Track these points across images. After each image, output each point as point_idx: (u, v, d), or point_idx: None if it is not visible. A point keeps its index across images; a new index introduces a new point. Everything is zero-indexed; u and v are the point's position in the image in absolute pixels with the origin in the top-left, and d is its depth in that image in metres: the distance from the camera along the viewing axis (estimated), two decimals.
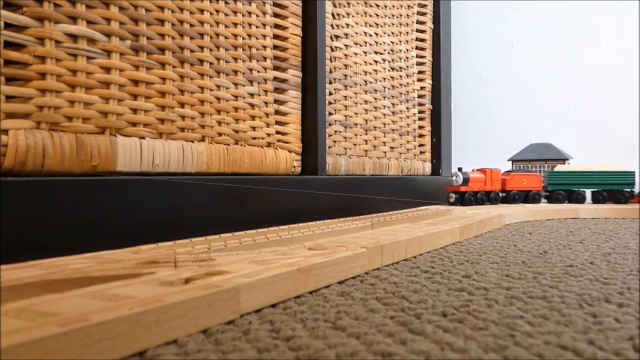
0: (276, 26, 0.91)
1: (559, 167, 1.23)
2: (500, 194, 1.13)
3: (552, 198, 1.25)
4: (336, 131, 1.08)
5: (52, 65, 0.55)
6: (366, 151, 1.18)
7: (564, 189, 1.22)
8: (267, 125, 0.88)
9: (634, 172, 1.27)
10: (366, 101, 1.18)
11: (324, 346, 0.28)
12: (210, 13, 0.76)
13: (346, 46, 1.11)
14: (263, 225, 0.73)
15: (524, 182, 1.13)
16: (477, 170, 1.06)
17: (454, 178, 1.06)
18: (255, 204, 0.79)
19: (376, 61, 1.23)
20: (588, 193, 1.33)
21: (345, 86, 1.11)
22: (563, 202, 1.26)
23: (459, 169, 1.03)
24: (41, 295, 0.30)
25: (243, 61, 0.83)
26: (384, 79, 1.26)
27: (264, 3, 0.87)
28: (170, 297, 0.30)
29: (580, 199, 1.27)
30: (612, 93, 1.64)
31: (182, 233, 0.61)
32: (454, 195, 1.06)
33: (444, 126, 1.49)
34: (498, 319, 0.33)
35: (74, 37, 0.58)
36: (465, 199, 1.05)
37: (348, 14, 1.12)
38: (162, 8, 0.68)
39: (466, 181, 1.03)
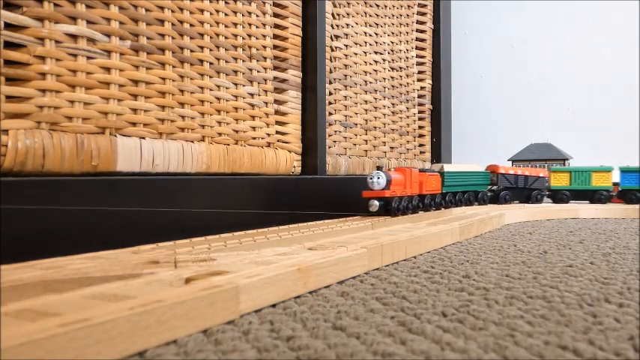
0: (276, 26, 0.91)
1: (447, 167, 1.05)
2: (418, 199, 0.92)
3: (447, 202, 1.04)
4: (336, 131, 1.08)
5: (52, 65, 0.55)
6: (366, 151, 1.18)
7: (454, 191, 1.07)
8: (267, 125, 0.88)
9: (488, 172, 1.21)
10: (366, 101, 1.18)
11: (324, 346, 0.28)
12: (210, 13, 0.76)
13: (346, 46, 1.11)
14: (263, 225, 0.73)
15: (432, 184, 0.94)
16: (395, 170, 0.86)
17: (375, 179, 0.79)
18: (255, 204, 0.79)
19: (376, 61, 1.23)
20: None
21: (345, 86, 1.11)
22: (456, 205, 1.08)
23: (379, 168, 0.82)
24: (41, 295, 0.30)
25: (243, 61, 0.83)
26: (384, 79, 1.26)
27: (264, 3, 0.87)
28: (170, 297, 0.30)
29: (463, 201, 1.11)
30: (612, 93, 1.64)
31: (182, 233, 0.61)
32: (377, 202, 0.79)
33: (444, 126, 1.49)
34: (498, 319, 0.33)
35: (74, 37, 0.58)
36: (393, 207, 0.80)
37: (348, 14, 1.12)
38: (162, 8, 0.68)
39: (389, 183, 0.80)
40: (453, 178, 1.06)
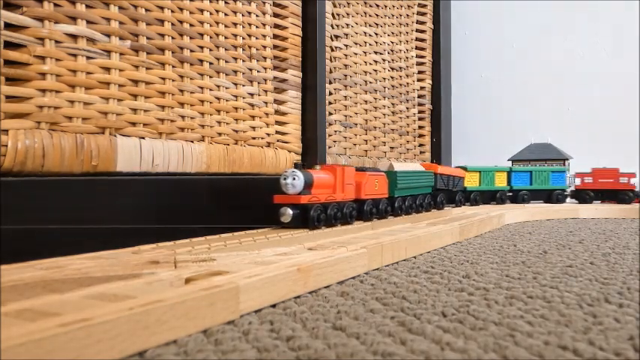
0: (276, 26, 0.91)
1: (398, 165, 0.88)
2: (354, 206, 0.74)
3: (396, 209, 0.87)
4: (336, 131, 1.08)
5: (51, 65, 0.55)
6: (366, 151, 1.18)
7: (406, 195, 0.91)
8: (267, 125, 0.88)
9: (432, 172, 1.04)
10: (365, 101, 1.18)
11: (324, 346, 0.28)
12: (210, 13, 0.76)
13: (346, 46, 1.11)
14: (263, 225, 0.73)
15: (375, 187, 0.78)
16: (323, 168, 0.69)
17: (289, 180, 0.63)
18: (255, 204, 0.79)
19: (376, 61, 1.23)
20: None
21: (345, 86, 1.11)
22: (405, 212, 0.91)
23: (297, 166, 0.65)
24: (41, 295, 0.30)
25: (243, 60, 0.83)
26: (384, 79, 1.26)
27: (264, 3, 0.87)
28: (170, 297, 0.30)
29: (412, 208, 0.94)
30: (612, 93, 1.64)
31: (182, 233, 0.61)
32: (290, 211, 0.62)
33: (444, 126, 1.49)
34: (498, 319, 0.33)
35: (74, 37, 0.58)
36: (312, 216, 0.63)
37: (348, 14, 1.12)
38: (162, 8, 0.68)
39: (309, 185, 0.63)
40: (405, 179, 0.88)
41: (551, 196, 1.34)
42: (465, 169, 1.19)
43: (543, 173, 1.33)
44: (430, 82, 1.47)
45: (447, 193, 1.10)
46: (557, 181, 1.34)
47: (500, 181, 1.27)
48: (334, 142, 1.07)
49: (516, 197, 1.30)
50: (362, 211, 0.76)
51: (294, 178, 0.64)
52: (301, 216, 0.64)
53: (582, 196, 1.35)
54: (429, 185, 1.01)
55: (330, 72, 1.06)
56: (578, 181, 1.37)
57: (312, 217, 0.64)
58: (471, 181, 1.19)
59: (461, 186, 1.16)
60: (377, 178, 0.79)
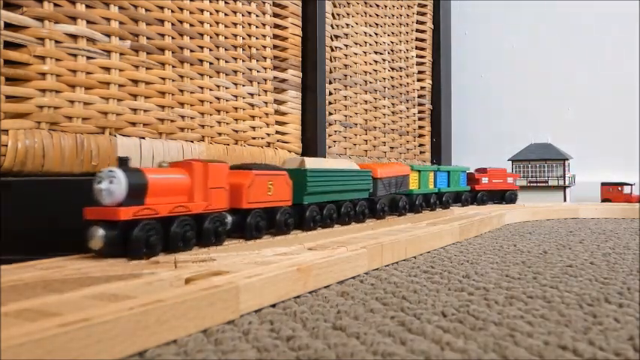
0: (276, 26, 0.91)
1: (311, 162, 0.67)
2: (226, 219, 0.52)
3: (308, 220, 0.64)
4: (336, 131, 1.08)
5: (51, 65, 0.55)
6: (366, 151, 1.18)
7: (322, 201, 0.68)
8: (267, 125, 0.88)
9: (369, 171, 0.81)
10: (366, 101, 1.18)
11: (324, 346, 0.28)
12: (210, 13, 0.76)
13: (346, 46, 1.11)
14: None
15: (270, 191, 0.57)
16: (173, 165, 0.50)
17: (103, 185, 0.42)
18: None
19: (376, 61, 1.23)
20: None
21: (345, 86, 1.11)
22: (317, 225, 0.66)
23: (122, 161, 0.45)
24: (41, 295, 0.30)
25: (243, 60, 0.83)
26: (384, 79, 1.26)
27: (263, 3, 0.87)
28: (170, 297, 0.30)
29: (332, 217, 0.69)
30: (613, 92, 1.64)
31: None
32: (102, 231, 0.42)
33: (444, 126, 1.49)
34: (498, 319, 0.33)
35: (74, 37, 0.58)
36: (134, 238, 0.42)
37: (348, 14, 1.12)
38: (162, 8, 0.68)
39: (139, 190, 0.44)
40: (321, 181, 0.66)
41: (461, 199, 1.16)
42: (410, 167, 0.97)
43: (456, 174, 1.13)
44: (430, 82, 1.47)
45: (390, 199, 0.88)
46: (463, 182, 1.17)
47: (431, 183, 1.04)
48: (334, 142, 1.08)
49: (441, 200, 1.06)
50: (244, 226, 0.54)
51: (110, 181, 0.42)
52: (122, 239, 0.42)
53: (480, 198, 1.22)
54: (365, 189, 0.78)
55: (330, 72, 1.06)
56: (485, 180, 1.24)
57: (135, 238, 0.42)
58: (414, 184, 0.98)
59: (406, 187, 0.93)
60: (272, 178, 0.58)
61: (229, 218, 0.53)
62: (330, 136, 1.05)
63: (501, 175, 1.27)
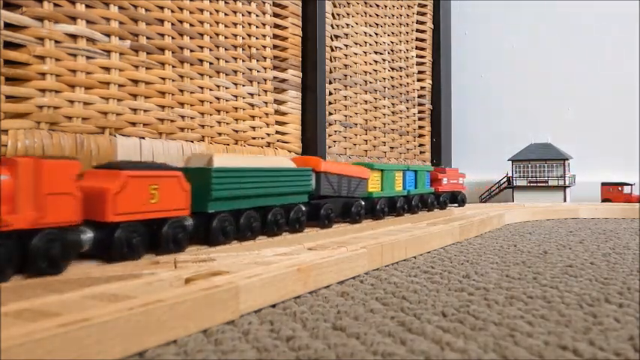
0: (276, 26, 0.91)
1: (222, 159, 0.55)
2: (85, 237, 0.40)
3: (213, 232, 0.52)
4: (336, 131, 1.08)
5: (51, 65, 0.55)
6: (366, 151, 1.18)
7: (237, 208, 0.55)
8: (267, 125, 0.88)
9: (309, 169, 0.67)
10: (366, 101, 1.18)
11: (324, 346, 0.28)
12: (210, 13, 0.76)
13: (346, 46, 1.11)
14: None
15: (152, 198, 0.45)
16: None
17: None
18: None
19: (376, 61, 1.23)
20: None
21: (345, 86, 1.11)
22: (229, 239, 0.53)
23: None
24: (41, 295, 0.30)
25: (243, 60, 0.83)
26: (384, 79, 1.26)
27: (263, 3, 0.87)
28: (170, 297, 0.30)
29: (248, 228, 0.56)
30: (613, 92, 1.64)
31: None
32: None
33: (444, 126, 1.49)
34: (498, 319, 0.33)
35: (74, 37, 0.58)
36: None
37: (348, 14, 1.12)
38: (161, 8, 0.68)
39: None
40: (235, 182, 0.54)
41: (427, 202, 1.02)
42: (370, 167, 0.83)
43: (422, 174, 1.01)
44: (430, 82, 1.47)
45: (339, 202, 0.73)
46: (427, 183, 1.05)
47: (398, 184, 0.91)
48: (334, 142, 1.08)
49: (410, 205, 0.94)
50: (111, 243, 0.42)
51: None
52: None
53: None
54: (302, 191, 0.65)
55: (330, 72, 1.06)
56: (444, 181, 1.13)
57: None
58: (375, 185, 0.84)
59: (362, 190, 0.79)
60: (156, 181, 0.45)
61: (88, 235, 0.40)
62: (330, 136, 1.05)
63: (456, 175, 1.17)
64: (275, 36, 0.91)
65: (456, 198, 1.17)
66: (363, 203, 0.78)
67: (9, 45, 0.52)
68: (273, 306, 0.37)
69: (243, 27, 0.82)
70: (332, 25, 1.07)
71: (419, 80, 1.43)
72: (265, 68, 0.87)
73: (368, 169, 0.81)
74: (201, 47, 0.74)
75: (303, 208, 0.64)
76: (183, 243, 0.48)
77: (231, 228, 0.53)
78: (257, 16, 0.86)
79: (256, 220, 0.57)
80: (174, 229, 0.47)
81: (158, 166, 0.48)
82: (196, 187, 0.50)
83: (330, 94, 1.06)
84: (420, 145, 1.44)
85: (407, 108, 1.37)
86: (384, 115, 1.25)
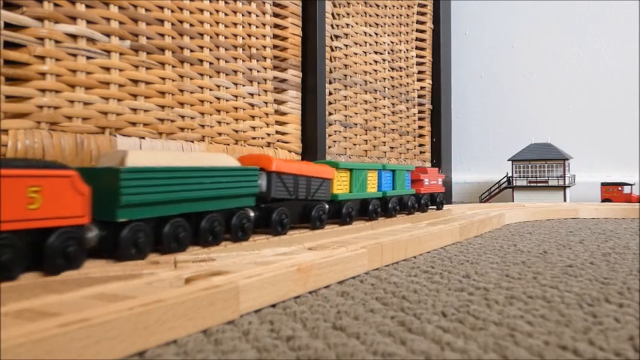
0: (276, 26, 0.91)
1: (136, 156, 0.45)
2: None
3: (124, 243, 0.42)
4: (336, 131, 1.08)
5: (51, 65, 0.55)
6: (366, 151, 1.18)
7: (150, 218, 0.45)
8: (267, 125, 0.88)
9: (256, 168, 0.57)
10: (366, 101, 1.18)
11: (324, 346, 0.28)
12: (210, 13, 0.76)
13: (346, 46, 1.11)
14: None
15: (33, 204, 0.35)
16: None
17: None
18: None
19: (376, 61, 1.23)
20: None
21: (345, 86, 1.11)
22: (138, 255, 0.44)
23: None
24: (41, 295, 0.30)
25: (243, 60, 0.83)
26: (384, 79, 1.26)
27: (264, 3, 0.87)
28: (170, 297, 0.30)
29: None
30: (612, 93, 1.65)
31: None
32: None
33: (444, 126, 1.49)
34: (498, 319, 0.33)
35: (74, 37, 0.58)
36: None
37: (348, 14, 1.12)
38: (161, 8, 0.68)
39: None
40: (153, 184, 0.45)
41: (407, 205, 0.92)
42: (335, 166, 0.74)
43: (401, 174, 0.92)
44: (430, 82, 1.47)
45: (297, 205, 0.65)
46: (408, 184, 0.95)
47: (372, 186, 0.83)
48: (334, 142, 1.08)
49: (386, 208, 0.85)
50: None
51: None
52: None
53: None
54: (248, 193, 0.57)
55: (330, 72, 1.06)
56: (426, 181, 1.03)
57: None
58: (341, 186, 0.75)
59: (325, 193, 0.71)
60: (37, 182, 0.36)
61: None
62: (330, 136, 1.05)
63: (436, 176, 1.07)
64: (275, 36, 0.91)
65: (435, 200, 1.05)
66: (326, 207, 0.69)
67: (9, 45, 0.52)
68: (273, 306, 0.37)
69: (243, 27, 0.82)
70: (332, 25, 1.07)
71: (419, 80, 1.43)
72: (265, 68, 0.87)
73: (332, 169, 0.72)
74: (201, 47, 0.74)
75: (251, 214, 0.56)
76: (78, 261, 0.38)
77: (146, 240, 0.44)
78: (257, 16, 0.86)
79: (186, 230, 0.48)
80: (63, 240, 0.37)
81: (43, 165, 0.38)
82: (103, 191, 0.42)
83: (330, 94, 1.06)
84: (420, 145, 1.44)
85: (407, 108, 1.37)
86: (384, 115, 1.25)
